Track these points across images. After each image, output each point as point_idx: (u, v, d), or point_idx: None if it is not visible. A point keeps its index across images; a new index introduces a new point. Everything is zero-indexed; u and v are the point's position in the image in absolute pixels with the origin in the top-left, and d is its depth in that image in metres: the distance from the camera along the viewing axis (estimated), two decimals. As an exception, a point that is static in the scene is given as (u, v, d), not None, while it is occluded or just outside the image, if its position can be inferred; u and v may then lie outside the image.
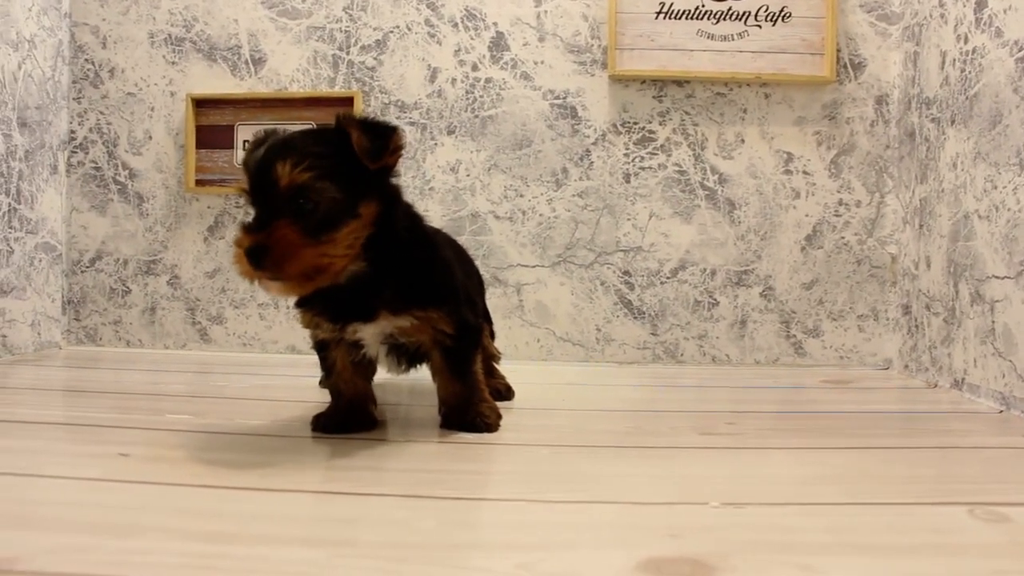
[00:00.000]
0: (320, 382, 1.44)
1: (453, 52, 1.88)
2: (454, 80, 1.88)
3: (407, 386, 1.44)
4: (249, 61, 1.92)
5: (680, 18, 1.82)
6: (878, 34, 1.84)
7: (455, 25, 1.87)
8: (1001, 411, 1.34)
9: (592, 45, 1.86)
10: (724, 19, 1.82)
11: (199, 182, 1.92)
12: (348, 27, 1.89)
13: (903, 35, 1.81)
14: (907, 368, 1.77)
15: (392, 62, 1.89)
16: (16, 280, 1.80)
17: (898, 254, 1.83)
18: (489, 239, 1.87)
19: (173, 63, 1.94)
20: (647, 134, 1.86)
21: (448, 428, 1.11)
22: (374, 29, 1.89)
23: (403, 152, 1.02)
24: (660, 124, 1.85)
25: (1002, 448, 1.10)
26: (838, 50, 1.83)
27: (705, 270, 1.86)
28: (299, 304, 1.05)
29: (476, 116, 1.87)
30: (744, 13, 1.82)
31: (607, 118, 1.86)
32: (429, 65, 1.88)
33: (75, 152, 1.97)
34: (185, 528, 0.70)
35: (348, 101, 1.87)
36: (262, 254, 0.90)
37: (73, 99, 1.97)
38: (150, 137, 1.95)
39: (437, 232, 1.20)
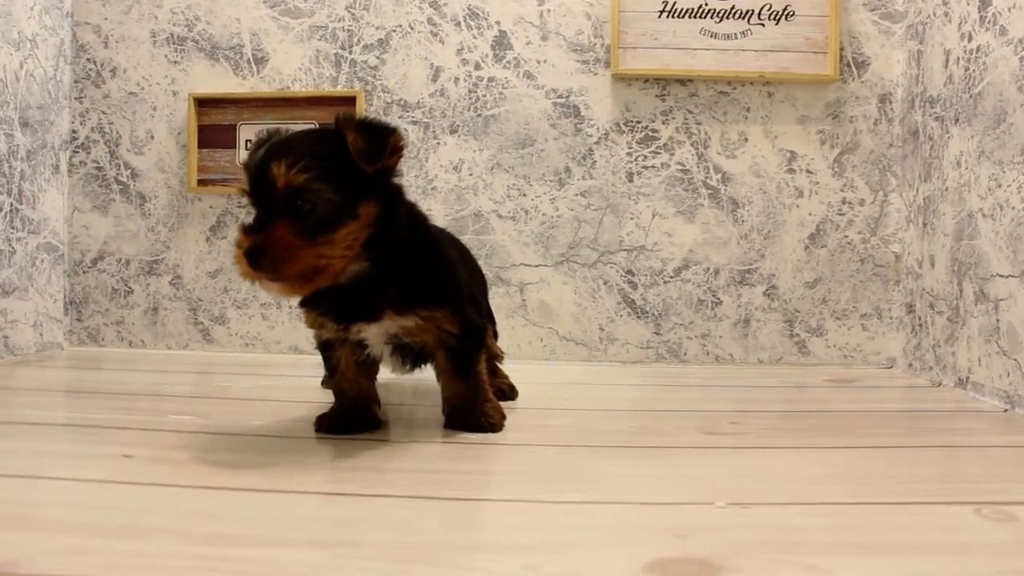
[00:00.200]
0: (323, 382, 1.44)
1: (456, 51, 1.87)
2: (457, 79, 1.87)
3: (410, 386, 1.44)
4: (251, 60, 1.92)
5: (683, 17, 1.82)
6: (881, 32, 1.84)
7: (458, 24, 1.87)
8: (1006, 410, 1.34)
9: (595, 44, 1.86)
10: (727, 18, 1.82)
11: (201, 182, 1.92)
12: (350, 26, 1.89)
13: (906, 33, 1.81)
14: (911, 367, 1.76)
15: (395, 61, 1.88)
16: (18, 280, 1.80)
17: (902, 253, 1.83)
18: (492, 238, 1.87)
19: (175, 62, 1.94)
20: (650, 133, 1.85)
21: (452, 428, 1.11)
22: (376, 28, 1.89)
23: (403, 153, 1.01)
24: (663, 123, 1.85)
25: (1007, 447, 1.10)
26: (841, 49, 1.82)
27: (708, 269, 1.86)
28: (303, 304, 1.05)
29: (479, 115, 1.87)
30: (747, 12, 1.81)
31: (610, 117, 1.85)
32: (432, 64, 1.88)
33: (77, 152, 1.97)
34: (189, 530, 0.70)
35: (351, 100, 1.87)
36: (260, 255, 0.90)
37: (75, 99, 1.97)
38: (152, 137, 1.95)
39: (441, 232, 1.20)
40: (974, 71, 1.49)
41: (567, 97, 1.86)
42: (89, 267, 1.97)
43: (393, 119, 1.86)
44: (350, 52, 1.89)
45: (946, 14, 1.60)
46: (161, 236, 1.95)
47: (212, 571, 0.61)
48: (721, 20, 1.82)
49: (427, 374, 1.17)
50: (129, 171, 1.96)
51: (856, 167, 1.85)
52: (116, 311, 1.97)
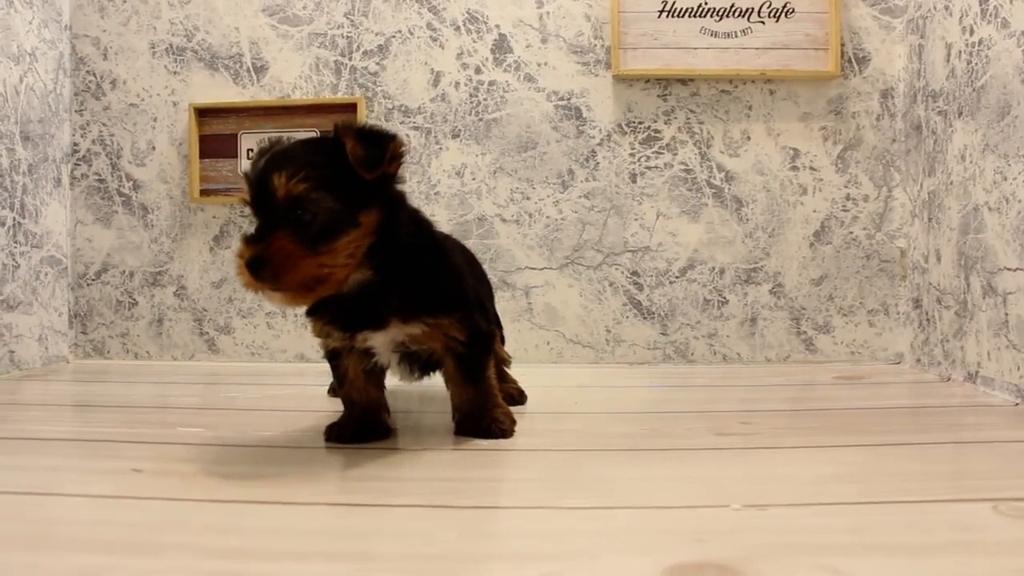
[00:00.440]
0: (329, 391, 1.44)
1: (456, 55, 1.87)
2: (457, 84, 1.87)
3: (418, 392, 1.43)
4: (251, 69, 1.91)
5: (683, 16, 1.81)
6: (882, 27, 1.83)
7: (457, 28, 1.87)
8: (1017, 403, 1.33)
9: (595, 45, 1.85)
10: (727, 16, 1.81)
11: (203, 192, 1.92)
12: (350, 33, 1.89)
13: (907, 28, 1.80)
14: (919, 362, 1.76)
15: (395, 67, 1.88)
16: (23, 295, 1.80)
17: (907, 248, 1.82)
18: (496, 242, 1.87)
19: (175, 73, 1.93)
20: (652, 133, 1.85)
21: (463, 435, 1.10)
22: (376, 34, 1.89)
23: (404, 159, 1.00)
24: (665, 123, 1.85)
25: (1021, 441, 1.09)
26: (842, 44, 1.82)
27: (714, 268, 1.85)
28: (309, 313, 1.05)
29: (480, 119, 1.86)
30: (747, 9, 1.81)
31: (612, 118, 1.85)
32: (432, 69, 1.87)
33: (78, 164, 1.97)
34: (203, 545, 0.69)
35: (351, 107, 1.86)
36: (261, 265, 0.90)
37: (75, 111, 1.96)
38: (153, 148, 1.95)
39: (447, 238, 1.19)
40: (976, 64, 1.48)
41: (568, 99, 1.85)
42: (93, 280, 1.97)
43: (394, 125, 1.86)
44: (350, 59, 1.89)
45: (947, 7, 1.60)
46: (164, 247, 1.95)
47: (228, 587, 0.60)
48: (721, 19, 1.82)
49: (434, 380, 1.16)
50: (131, 183, 1.95)
51: (859, 163, 1.84)
52: (121, 323, 1.97)
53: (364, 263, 0.97)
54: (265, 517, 0.77)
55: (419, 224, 1.07)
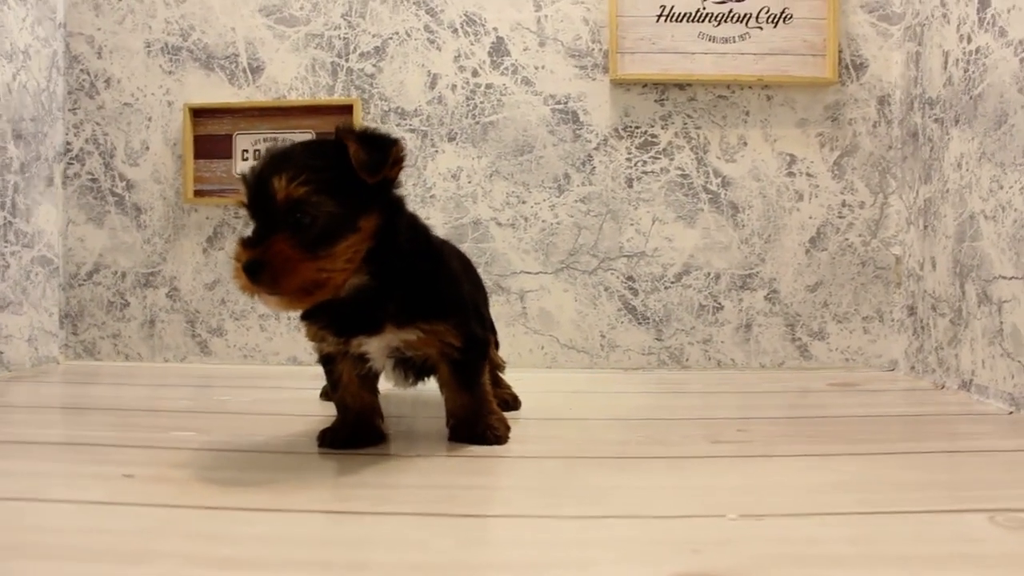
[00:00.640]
0: (322, 394, 1.43)
1: (453, 58, 1.86)
2: (454, 86, 1.86)
3: (410, 397, 1.42)
4: (247, 70, 1.91)
5: (681, 21, 1.81)
6: (879, 34, 1.83)
7: (455, 31, 1.86)
8: (1011, 412, 1.33)
9: (593, 49, 1.85)
10: (725, 21, 1.81)
11: (197, 192, 1.91)
12: (347, 34, 1.88)
13: (904, 35, 1.80)
14: (913, 369, 1.76)
15: (391, 69, 1.87)
16: (13, 295, 1.79)
17: (902, 255, 1.82)
18: (491, 246, 1.86)
19: (170, 72, 1.92)
20: (649, 138, 1.85)
21: (457, 441, 1.09)
22: (373, 36, 1.88)
23: (404, 164, 1.00)
24: (662, 128, 1.84)
25: (1017, 451, 1.09)
26: (840, 51, 1.82)
27: (709, 274, 1.85)
28: (304, 317, 1.04)
29: (477, 122, 1.86)
30: (745, 15, 1.81)
31: (609, 123, 1.85)
32: (429, 71, 1.87)
33: (71, 164, 1.95)
34: (196, 554, 0.68)
35: (347, 109, 1.86)
36: (259, 269, 0.89)
37: (69, 110, 1.95)
38: (147, 148, 1.93)
39: (443, 243, 1.18)
40: (974, 72, 1.48)
41: (565, 103, 1.85)
42: (84, 280, 1.96)
43: (391, 127, 1.85)
44: (346, 60, 1.88)
45: (944, 15, 1.60)
46: (157, 248, 1.94)
47: (221, 597, 0.59)
48: (719, 24, 1.81)
49: (427, 384, 1.16)
50: (124, 183, 1.94)
51: (856, 169, 1.84)
52: (112, 324, 1.95)
53: (361, 268, 0.96)
54: (258, 525, 0.76)
55: (416, 229, 1.06)
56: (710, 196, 1.85)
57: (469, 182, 1.86)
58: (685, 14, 1.81)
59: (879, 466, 0.99)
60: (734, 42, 1.81)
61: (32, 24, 1.83)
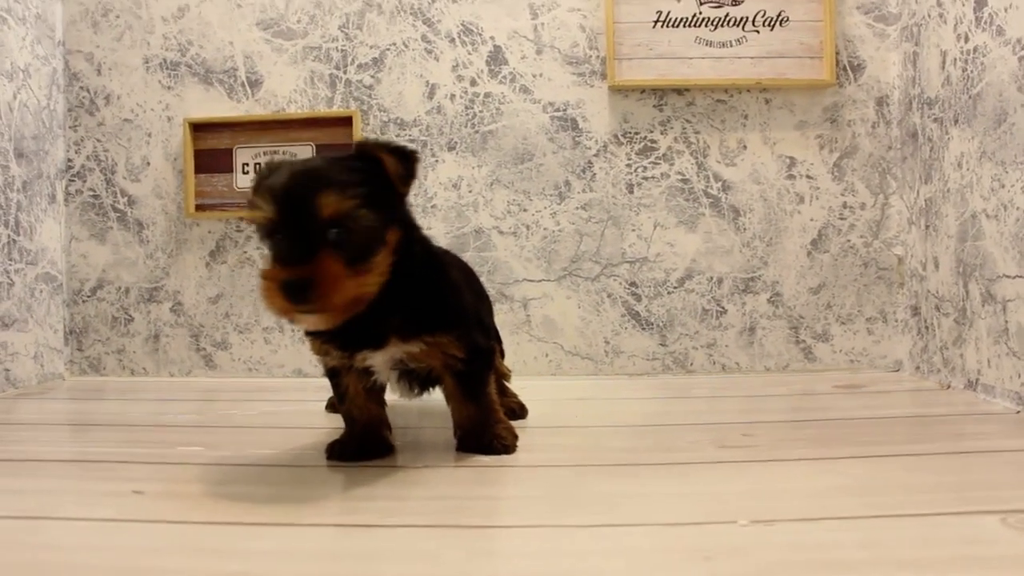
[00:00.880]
0: (327, 406, 1.43)
1: (451, 68, 1.87)
2: (453, 96, 1.87)
3: (417, 407, 1.42)
4: (246, 83, 1.91)
5: (678, 26, 1.82)
6: (876, 35, 1.83)
7: (452, 40, 1.87)
8: (1018, 411, 1.33)
9: (590, 56, 1.85)
10: (722, 25, 1.81)
11: (199, 207, 1.91)
12: (344, 46, 1.89)
13: (901, 35, 1.81)
14: (918, 370, 1.76)
15: (390, 79, 1.88)
16: (18, 312, 1.79)
17: (905, 255, 1.82)
18: (494, 255, 1.86)
19: (169, 88, 1.93)
20: (649, 144, 1.85)
21: (464, 451, 1.09)
22: (370, 47, 1.88)
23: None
24: (661, 133, 1.85)
25: (1025, 451, 1.09)
26: (837, 53, 1.82)
27: (712, 278, 1.85)
28: (309, 331, 1.04)
29: (476, 131, 1.86)
30: (742, 19, 1.81)
31: (608, 129, 1.85)
32: (427, 81, 1.87)
33: (73, 180, 1.96)
34: (208, 570, 0.68)
35: (347, 120, 1.86)
36: (307, 287, 0.87)
37: (69, 127, 1.96)
38: (148, 163, 1.94)
39: (445, 253, 1.19)
40: (972, 72, 1.48)
41: (564, 110, 1.85)
42: (88, 296, 1.96)
43: (391, 138, 1.85)
44: (345, 72, 1.89)
45: (941, 15, 1.60)
46: (160, 263, 1.94)
47: (234, 614, 0.59)
48: (716, 28, 1.82)
49: (433, 394, 1.16)
50: (126, 198, 1.95)
51: (856, 171, 1.84)
52: (117, 340, 1.96)
53: None
54: (268, 539, 0.76)
55: (423, 242, 1.06)
56: (711, 200, 1.85)
57: (470, 191, 1.86)
58: (682, 19, 1.82)
59: (887, 468, 0.99)
60: (731, 46, 1.82)
61: (32, 43, 1.84)
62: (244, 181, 1.89)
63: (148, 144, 1.94)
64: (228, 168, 1.90)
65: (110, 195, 1.95)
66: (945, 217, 1.61)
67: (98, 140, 1.95)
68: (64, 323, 1.96)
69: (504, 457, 1.07)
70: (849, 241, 1.84)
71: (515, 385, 1.43)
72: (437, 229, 1.85)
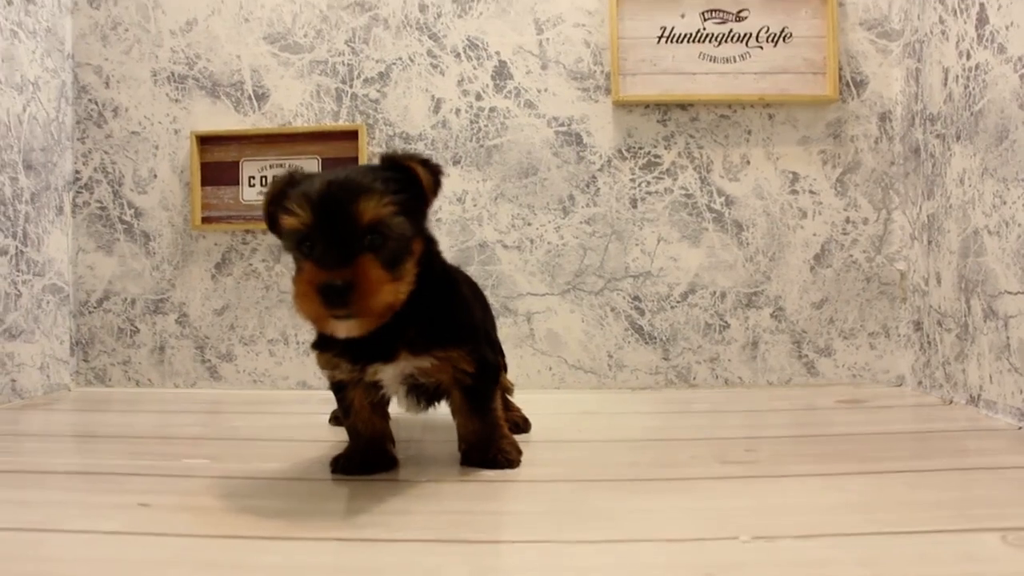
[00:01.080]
0: (331, 419, 1.44)
1: (456, 82, 1.88)
2: (458, 110, 1.88)
3: (420, 421, 1.43)
4: (252, 97, 1.92)
5: (682, 42, 1.83)
6: (879, 51, 1.85)
7: (457, 55, 1.88)
8: (1020, 427, 1.33)
9: (595, 71, 1.87)
10: (725, 41, 1.83)
11: (205, 219, 1.92)
12: (350, 60, 1.90)
13: (904, 52, 1.82)
14: (921, 384, 1.76)
15: (396, 94, 1.89)
16: (24, 323, 1.80)
17: (907, 270, 1.83)
18: (498, 268, 1.87)
19: (176, 101, 1.94)
20: (652, 159, 1.86)
21: (469, 465, 1.10)
22: (376, 61, 1.90)
23: None
24: (665, 148, 1.86)
25: (1026, 468, 1.09)
26: (840, 68, 1.83)
27: (715, 293, 1.86)
28: (317, 346, 1.04)
29: (481, 146, 1.87)
30: (745, 35, 1.82)
31: (612, 144, 1.86)
32: (433, 96, 1.89)
33: (80, 192, 1.97)
34: (213, 584, 0.69)
35: (352, 134, 1.87)
36: (346, 290, 0.88)
37: (77, 139, 1.97)
38: (155, 175, 1.95)
39: (455, 269, 1.20)
40: (974, 89, 1.49)
41: (569, 125, 1.87)
42: (95, 307, 1.97)
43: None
44: (351, 86, 1.90)
45: (943, 32, 1.61)
46: (166, 274, 1.95)
47: (240, 628, 0.60)
48: (720, 44, 1.83)
49: (438, 408, 1.16)
50: (133, 210, 1.96)
51: (859, 186, 1.85)
52: (123, 351, 1.97)
53: None
54: (273, 553, 0.77)
55: (438, 255, 1.08)
56: (714, 215, 1.86)
57: (474, 205, 1.87)
58: (686, 35, 1.83)
59: (888, 484, 1.00)
60: (735, 62, 1.83)
61: (42, 56, 1.86)
62: (250, 194, 1.90)
63: (155, 156, 1.95)
64: (234, 181, 1.92)
65: (117, 207, 1.96)
66: (947, 233, 1.61)
67: (106, 152, 1.96)
68: (70, 334, 1.97)
69: (508, 471, 1.08)
70: (852, 256, 1.85)
71: (518, 399, 1.43)
72: (442, 243, 1.83)
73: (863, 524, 0.83)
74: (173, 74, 1.94)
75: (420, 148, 1.88)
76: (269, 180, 1.88)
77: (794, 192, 1.85)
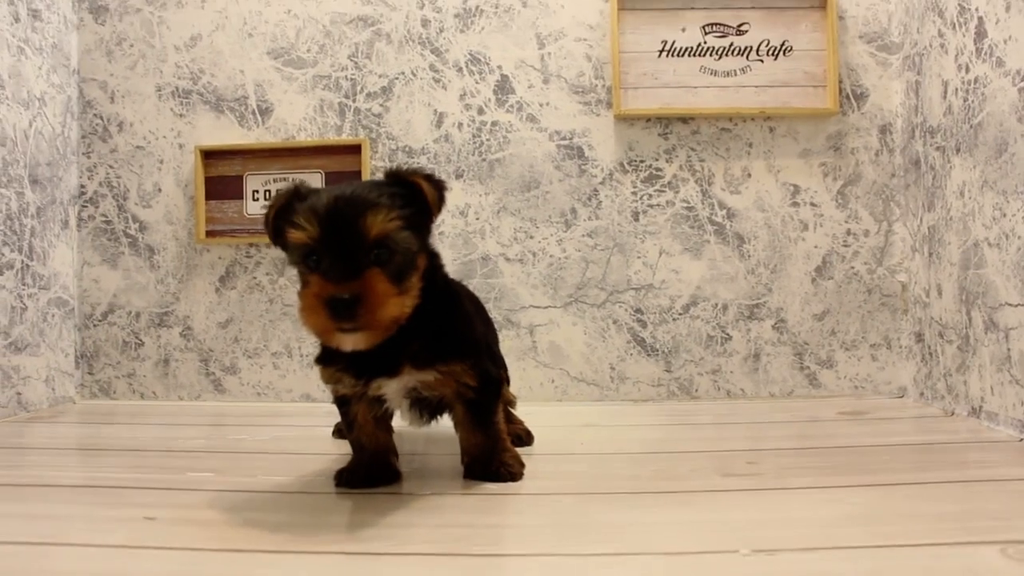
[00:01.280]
0: (334, 432, 1.45)
1: (459, 96, 1.89)
2: (460, 124, 1.89)
3: (423, 434, 1.43)
4: (256, 111, 1.94)
5: (683, 55, 1.84)
6: (879, 64, 1.86)
7: (460, 70, 1.89)
8: (1021, 439, 1.34)
9: (596, 85, 1.88)
10: (726, 55, 1.84)
11: (209, 233, 1.93)
12: (353, 75, 1.91)
13: (904, 65, 1.83)
14: (922, 396, 1.76)
15: (398, 108, 1.91)
16: (30, 337, 1.81)
17: (908, 282, 1.83)
18: (500, 281, 1.88)
19: (181, 115, 1.96)
20: (654, 172, 1.87)
21: (472, 479, 1.10)
22: (379, 76, 1.91)
23: None
24: (667, 161, 1.87)
25: (1028, 480, 1.10)
26: (840, 81, 1.84)
27: (717, 305, 1.86)
28: (320, 361, 1.05)
29: (483, 159, 1.88)
30: (746, 48, 1.84)
31: (614, 157, 1.87)
32: (435, 110, 1.90)
33: (85, 206, 1.99)
34: (218, 597, 0.70)
35: (355, 148, 1.88)
36: (354, 303, 0.88)
37: (83, 154, 1.99)
38: (160, 189, 1.96)
39: (458, 283, 1.20)
40: (973, 102, 1.50)
41: (570, 139, 1.88)
42: (100, 321, 1.98)
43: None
44: (354, 100, 1.91)
45: (942, 46, 1.62)
46: (171, 288, 1.96)
47: (245, 642, 0.60)
48: (720, 57, 1.84)
49: (441, 422, 1.17)
50: (137, 224, 1.97)
51: (859, 198, 1.86)
52: (127, 364, 1.97)
53: None
54: (278, 567, 0.77)
55: (440, 269, 1.08)
56: (716, 228, 1.86)
57: (477, 218, 1.88)
58: (687, 49, 1.84)
59: (890, 497, 1.00)
60: (735, 75, 1.84)
61: (48, 72, 1.87)
62: (254, 208, 1.92)
63: (160, 171, 1.96)
64: (238, 195, 1.93)
65: (122, 221, 1.98)
66: (948, 245, 1.62)
67: (111, 167, 1.98)
68: (75, 347, 1.98)
69: (510, 484, 1.08)
70: (853, 268, 1.86)
71: (521, 411, 1.44)
72: (444, 256, 1.84)
73: (863, 537, 0.84)
74: (177, 89, 1.96)
75: (423, 162, 1.89)
76: (273, 194, 1.89)
77: (795, 204, 1.86)
